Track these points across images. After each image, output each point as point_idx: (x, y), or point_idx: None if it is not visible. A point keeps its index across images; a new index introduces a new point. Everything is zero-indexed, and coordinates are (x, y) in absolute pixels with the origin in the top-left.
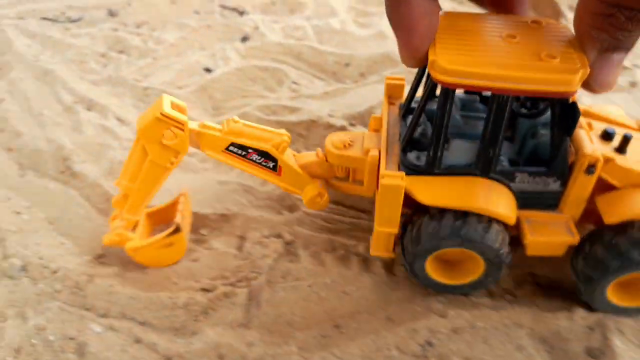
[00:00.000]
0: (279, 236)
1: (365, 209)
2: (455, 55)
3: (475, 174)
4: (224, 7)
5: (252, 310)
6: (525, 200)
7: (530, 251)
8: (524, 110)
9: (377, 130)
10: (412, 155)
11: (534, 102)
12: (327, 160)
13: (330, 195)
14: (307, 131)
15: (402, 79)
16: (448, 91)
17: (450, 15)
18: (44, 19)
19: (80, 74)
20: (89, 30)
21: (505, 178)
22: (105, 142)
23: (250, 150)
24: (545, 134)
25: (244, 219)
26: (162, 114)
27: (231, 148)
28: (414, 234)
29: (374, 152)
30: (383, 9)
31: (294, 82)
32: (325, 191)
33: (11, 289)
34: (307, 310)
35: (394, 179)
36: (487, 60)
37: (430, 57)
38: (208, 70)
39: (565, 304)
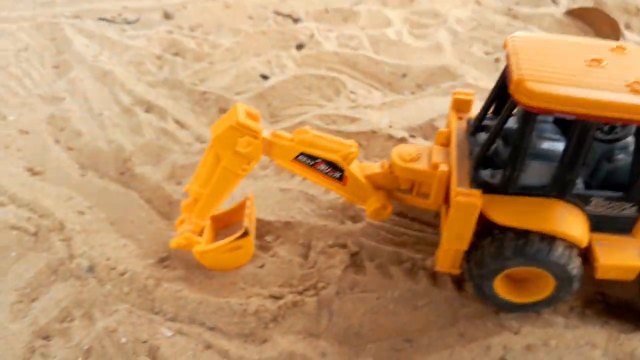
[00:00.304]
0: (344, 246)
1: (429, 222)
2: (541, 78)
3: (550, 196)
4: (277, 13)
5: (322, 320)
6: (598, 224)
7: (601, 274)
8: (601, 135)
9: (444, 145)
10: (485, 173)
11: (612, 127)
12: (391, 172)
13: (393, 206)
14: (367, 142)
15: (470, 94)
16: (531, 115)
17: (524, 37)
18: (101, 19)
19: (137, 76)
20: (145, 32)
21: (581, 201)
22: (166, 145)
23: (318, 160)
24: (622, 158)
25: (308, 227)
26: (237, 123)
27: (300, 157)
28: (477, 256)
29: (443, 167)
30: (439, 21)
31: (352, 92)
32: (389, 203)
33: (78, 289)
34: (376, 323)
35: (469, 198)
36: (574, 84)
37: (515, 78)
38: (264, 77)
39: (638, 325)
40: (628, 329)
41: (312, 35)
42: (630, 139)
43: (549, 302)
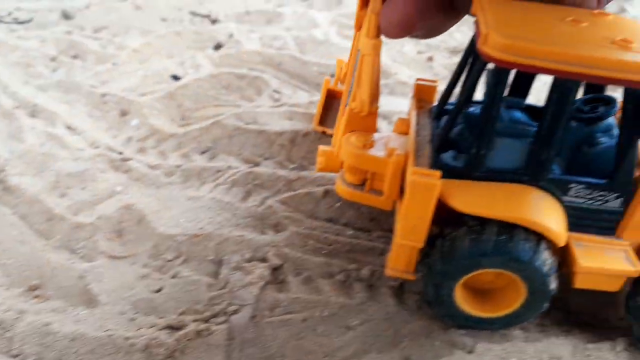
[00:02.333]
0: (264, 260)
1: (363, 227)
2: (513, 30)
3: (522, 181)
4: (194, 14)
5: (233, 352)
6: (577, 220)
7: (579, 282)
8: (581, 115)
9: (404, 134)
10: (447, 156)
11: (593, 105)
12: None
13: (323, 212)
14: (292, 143)
15: (434, 82)
16: (502, 72)
17: (496, 0)
18: None
19: (25, 78)
20: (39, 33)
21: (558, 189)
22: (51, 151)
23: None
24: (605, 141)
25: (220, 240)
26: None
27: None
28: (445, 248)
29: (399, 152)
30: None
31: (276, 91)
32: None
33: None
34: (302, 350)
35: (426, 177)
36: (552, 39)
37: (483, 30)
38: (176, 77)
39: (604, 335)
40: (593, 338)
41: (231, 35)
42: (612, 120)
43: (512, 320)
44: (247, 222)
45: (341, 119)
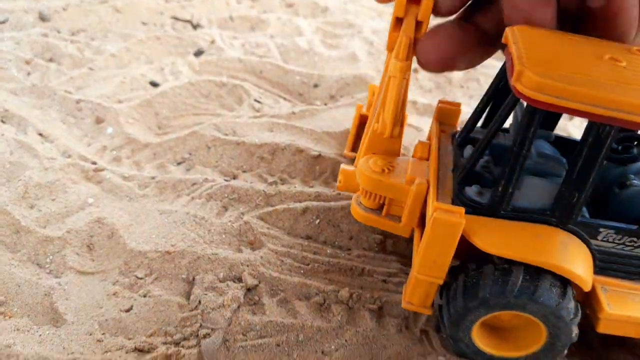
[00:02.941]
0: (238, 279)
1: (342, 245)
2: (548, 67)
3: (550, 222)
4: (176, 19)
5: None
6: (604, 264)
7: (604, 328)
8: (613, 155)
9: (424, 159)
10: (472, 190)
11: (626, 145)
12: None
13: (301, 229)
14: (272, 155)
15: (457, 104)
16: (535, 112)
17: (527, 28)
18: None
19: None
20: (13, 35)
21: (587, 232)
22: (21, 160)
23: None
24: (638, 184)
25: (194, 257)
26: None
27: None
28: (468, 286)
29: (421, 182)
30: (352, 31)
31: (257, 101)
32: None
33: None
34: None
35: (450, 215)
36: (589, 79)
37: (517, 67)
38: (154, 84)
39: None
40: None
41: (213, 42)
42: None
43: (540, 358)
44: (222, 239)
45: (364, 140)
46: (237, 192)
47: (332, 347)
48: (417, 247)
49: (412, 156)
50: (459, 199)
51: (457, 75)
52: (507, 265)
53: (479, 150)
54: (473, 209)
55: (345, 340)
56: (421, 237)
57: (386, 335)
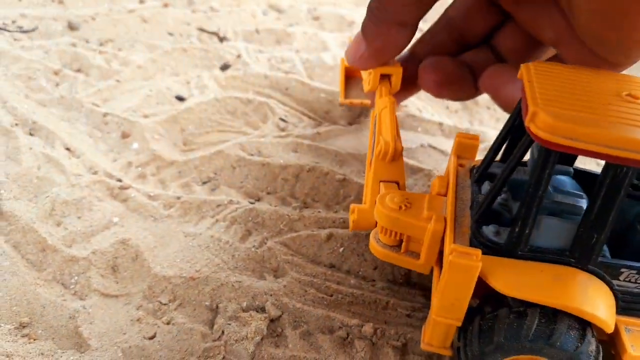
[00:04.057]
0: (261, 309)
1: (366, 275)
2: (563, 108)
3: (569, 263)
4: (202, 30)
5: None
6: (626, 304)
7: None
8: (633, 192)
9: (441, 195)
10: (489, 230)
11: None
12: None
13: (325, 257)
14: (296, 178)
15: (476, 138)
16: (550, 153)
17: (541, 64)
18: None
19: (26, 92)
20: (43, 43)
21: (608, 273)
22: (48, 175)
23: None
24: None
25: (217, 284)
26: None
27: None
28: (484, 329)
29: (438, 221)
30: None
31: (282, 119)
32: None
33: None
34: None
35: (466, 258)
36: (605, 120)
37: (531, 109)
38: (180, 98)
39: None
40: None
41: (239, 56)
42: None
43: None
44: (245, 265)
45: (368, 174)
46: (261, 216)
47: None
48: (435, 287)
49: (430, 192)
50: (476, 238)
51: (484, 96)
52: (522, 308)
53: (495, 189)
54: (490, 249)
55: None
56: (439, 276)
57: None
